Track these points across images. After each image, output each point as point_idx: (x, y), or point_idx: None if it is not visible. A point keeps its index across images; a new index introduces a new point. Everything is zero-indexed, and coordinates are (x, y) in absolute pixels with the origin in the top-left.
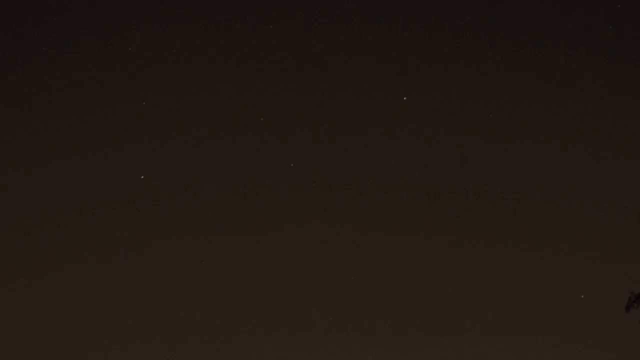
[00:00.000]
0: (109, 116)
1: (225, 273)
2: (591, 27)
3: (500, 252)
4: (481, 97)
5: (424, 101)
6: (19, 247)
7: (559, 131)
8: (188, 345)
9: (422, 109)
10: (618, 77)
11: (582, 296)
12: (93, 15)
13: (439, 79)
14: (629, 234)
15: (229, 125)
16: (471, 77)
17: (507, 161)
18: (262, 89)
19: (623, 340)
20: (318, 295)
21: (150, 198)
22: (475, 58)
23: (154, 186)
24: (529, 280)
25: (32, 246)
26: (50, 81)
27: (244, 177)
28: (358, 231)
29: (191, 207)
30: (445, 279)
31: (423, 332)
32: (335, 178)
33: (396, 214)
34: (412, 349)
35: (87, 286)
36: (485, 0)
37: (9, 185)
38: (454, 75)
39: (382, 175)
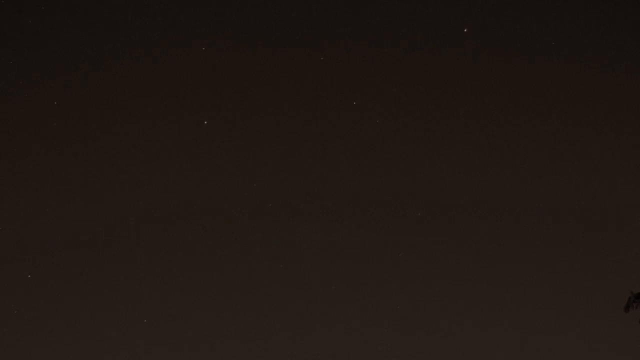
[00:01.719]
0: (116, 142)
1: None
2: (589, 40)
3: (499, 246)
4: (489, 116)
5: (430, 118)
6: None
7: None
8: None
9: (427, 126)
10: (616, 89)
11: None
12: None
13: (445, 97)
14: (629, 234)
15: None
16: (479, 95)
17: (507, 172)
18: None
19: (623, 340)
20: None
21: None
22: (482, 75)
23: (155, 200)
24: (529, 277)
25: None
26: (59, 110)
27: (248, 200)
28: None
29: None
30: (447, 296)
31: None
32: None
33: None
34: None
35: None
36: (490, 20)
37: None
38: (462, 95)
39: (382, 193)
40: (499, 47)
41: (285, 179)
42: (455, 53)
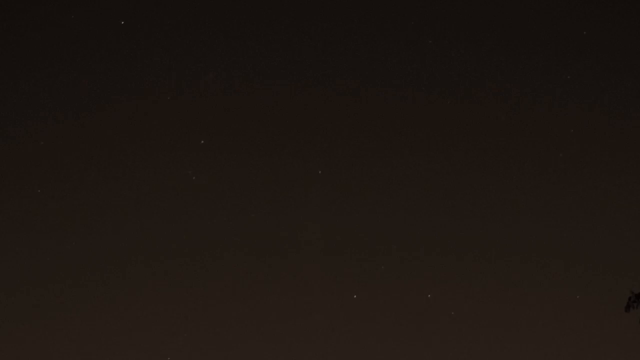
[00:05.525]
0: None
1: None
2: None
3: (499, 245)
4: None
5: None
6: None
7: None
8: None
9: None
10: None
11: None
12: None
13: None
14: (629, 233)
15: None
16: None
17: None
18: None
19: (623, 340)
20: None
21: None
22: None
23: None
24: (528, 276)
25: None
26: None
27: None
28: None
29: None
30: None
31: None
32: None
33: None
34: None
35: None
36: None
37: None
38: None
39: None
40: (507, 93)
41: (284, 213)
42: (462, 97)
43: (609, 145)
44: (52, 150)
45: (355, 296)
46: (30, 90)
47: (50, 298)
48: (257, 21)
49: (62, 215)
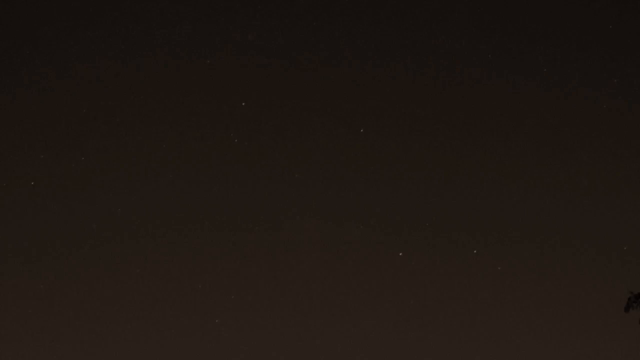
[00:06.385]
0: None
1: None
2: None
3: (498, 245)
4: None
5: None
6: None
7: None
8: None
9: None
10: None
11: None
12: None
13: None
14: (629, 234)
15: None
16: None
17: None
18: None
19: (623, 340)
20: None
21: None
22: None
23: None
24: (528, 276)
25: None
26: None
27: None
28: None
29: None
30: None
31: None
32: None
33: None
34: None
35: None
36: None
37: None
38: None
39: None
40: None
41: (288, 189)
42: (458, 76)
43: (610, 147)
44: (94, 111)
45: (401, 254)
46: (75, 44)
47: (94, 258)
48: None
49: (99, 175)
